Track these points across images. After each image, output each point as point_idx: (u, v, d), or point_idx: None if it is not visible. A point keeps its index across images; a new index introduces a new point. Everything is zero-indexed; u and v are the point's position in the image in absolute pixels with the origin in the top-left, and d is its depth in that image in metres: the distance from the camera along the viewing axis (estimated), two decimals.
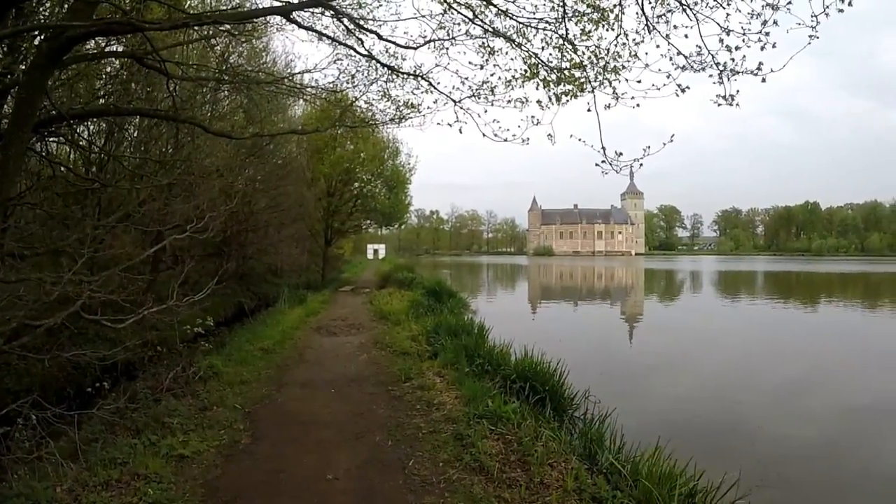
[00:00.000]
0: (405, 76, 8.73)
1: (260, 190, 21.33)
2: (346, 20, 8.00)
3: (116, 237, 11.62)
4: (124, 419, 7.17)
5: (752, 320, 26.59)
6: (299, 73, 11.89)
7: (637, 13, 6.60)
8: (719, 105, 6.31)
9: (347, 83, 9.60)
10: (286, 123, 22.90)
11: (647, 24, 6.56)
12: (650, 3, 6.48)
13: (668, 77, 6.39)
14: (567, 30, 7.10)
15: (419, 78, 8.62)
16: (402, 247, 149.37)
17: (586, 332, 21.84)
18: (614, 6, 6.65)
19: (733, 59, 6.11)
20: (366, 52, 8.53)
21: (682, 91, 6.36)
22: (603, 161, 6.73)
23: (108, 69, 11.54)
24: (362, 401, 8.64)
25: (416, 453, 6.50)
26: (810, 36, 5.65)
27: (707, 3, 6.15)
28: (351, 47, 8.56)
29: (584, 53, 7.12)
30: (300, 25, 8.12)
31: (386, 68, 8.68)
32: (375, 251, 68.04)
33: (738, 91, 6.23)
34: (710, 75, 6.31)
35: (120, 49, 9.35)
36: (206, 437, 6.78)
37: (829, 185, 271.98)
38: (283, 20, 8.23)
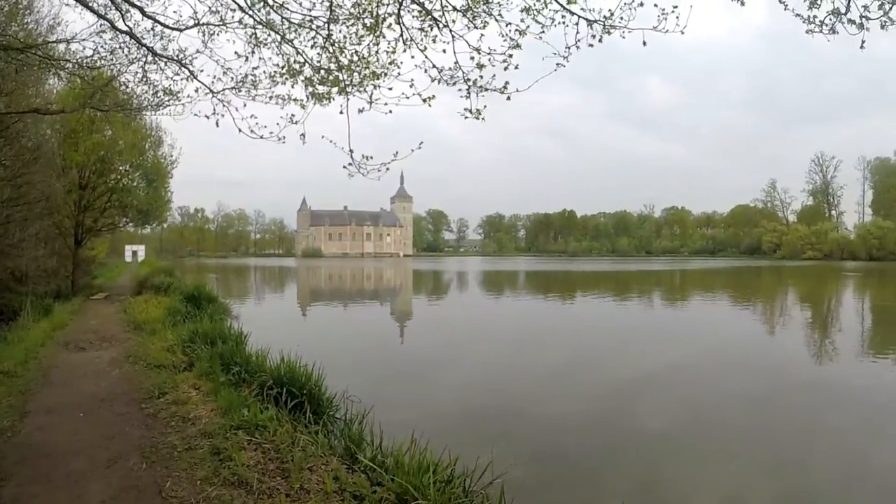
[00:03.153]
0: (166, 60, 8.29)
1: (2, 178, 18.33)
2: None
3: None
4: None
5: (517, 313, 28.62)
6: (55, 42, 10.86)
7: (399, 24, 6.87)
8: (466, 118, 6.74)
9: (105, 60, 8.93)
10: (41, 99, 19.92)
11: (403, 37, 6.86)
12: (418, 15, 6.78)
13: (410, 86, 6.77)
14: (335, 32, 7.21)
15: (181, 64, 8.24)
16: (164, 248, 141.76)
17: (357, 331, 22.06)
18: (388, 14, 6.86)
19: (482, 77, 6.61)
20: (126, 29, 7.99)
21: (425, 101, 6.74)
22: (350, 164, 6.93)
23: None
24: (114, 422, 8.06)
25: (172, 474, 6.21)
26: (558, 64, 6.29)
27: (463, 23, 6.61)
28: (111, 22, 8.00)
29: (349, 56, 7.24)
30: None
31: (146, 49, 8.17)
32: (134, 253, 62.84)
33: (485, 106, 6.72)
34: (460, 89, 6.75)
35: None
36: None
37: (589, 197, 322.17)
38: None
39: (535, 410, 10.92)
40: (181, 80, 8.51)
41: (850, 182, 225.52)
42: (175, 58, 8.24)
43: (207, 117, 8.04)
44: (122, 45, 8.49)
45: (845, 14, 5.52)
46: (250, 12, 7.33)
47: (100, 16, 8.06)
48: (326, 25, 7.20)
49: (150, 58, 8.40)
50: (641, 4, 6.13)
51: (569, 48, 6.32)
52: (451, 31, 6.70)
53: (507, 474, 6.59)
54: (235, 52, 7.69)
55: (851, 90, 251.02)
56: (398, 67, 7.09)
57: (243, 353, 11.21)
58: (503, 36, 6.56)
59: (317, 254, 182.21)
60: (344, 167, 6.94)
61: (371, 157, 6.92)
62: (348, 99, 7.22)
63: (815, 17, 5.60)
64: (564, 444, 9.17)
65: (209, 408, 8.48)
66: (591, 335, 20.99)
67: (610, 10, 6.26)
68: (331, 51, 7.32)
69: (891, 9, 5.37)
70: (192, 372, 10.66)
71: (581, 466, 8.33)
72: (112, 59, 8.81)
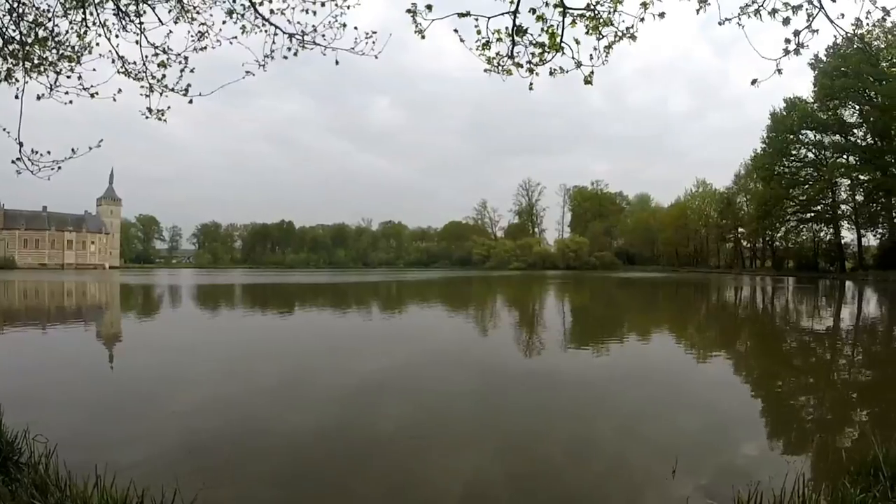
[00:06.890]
0: None
1: None
2: None
3: None
4: None
5: (236, 330, 27.49)
6: None
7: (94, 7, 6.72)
8: (147, 118, 6.87)
9: None
10: None
11: (88, 21, 6.82)
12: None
13: (78, 78, 6.73)
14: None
15: None
16: None
17: (57, 359, 19.09)
18: None
19: (164, 76, 6.86)
20: None
21: (93, 96, 6.63)
22: (19, 158, 6.26)
23: None
24: None
25: None
26: (247, 72, 6.85)
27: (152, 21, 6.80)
28: None
29: (45, 32, 6.79)
30: None
31: None
32: None
33: (168, 107, 6.97)
34: (142, 87, 6.92)
35: None
36: None
37: (307, 208, 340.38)
38: None
39: (263, 429, 10.21)
40: None
41: (552, 205, 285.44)
42: None
43: None
44: None
45: (511, 57, 6.50)
46: None
47: None
48: None
49: None
50: (344, 26, 6.65)
51: (265, 58, 6.88)
52: (137, 24, 6.82)
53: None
54: None
55: (563, 129, 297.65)
56: (89, 52, 6.85)
57: None
58: (190, 36, 6.90)
59: (9, 264, 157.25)
60: (12, 161, 6.22)
61: (49, 153, 6.34)
62: (26, 82, 6.68)
63: (491, 58, 6.49)
64: (301, 460, 8.68)
65: None
66: (315, 347, 20.95)
67: (313, 26, 6.66)
68: (27, 21, 6.78)
69: (551, 59, 6.46)
70: None
71: (322, 479, 8.04)
72: None
